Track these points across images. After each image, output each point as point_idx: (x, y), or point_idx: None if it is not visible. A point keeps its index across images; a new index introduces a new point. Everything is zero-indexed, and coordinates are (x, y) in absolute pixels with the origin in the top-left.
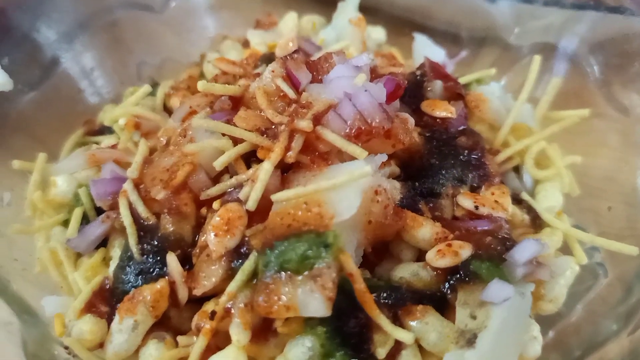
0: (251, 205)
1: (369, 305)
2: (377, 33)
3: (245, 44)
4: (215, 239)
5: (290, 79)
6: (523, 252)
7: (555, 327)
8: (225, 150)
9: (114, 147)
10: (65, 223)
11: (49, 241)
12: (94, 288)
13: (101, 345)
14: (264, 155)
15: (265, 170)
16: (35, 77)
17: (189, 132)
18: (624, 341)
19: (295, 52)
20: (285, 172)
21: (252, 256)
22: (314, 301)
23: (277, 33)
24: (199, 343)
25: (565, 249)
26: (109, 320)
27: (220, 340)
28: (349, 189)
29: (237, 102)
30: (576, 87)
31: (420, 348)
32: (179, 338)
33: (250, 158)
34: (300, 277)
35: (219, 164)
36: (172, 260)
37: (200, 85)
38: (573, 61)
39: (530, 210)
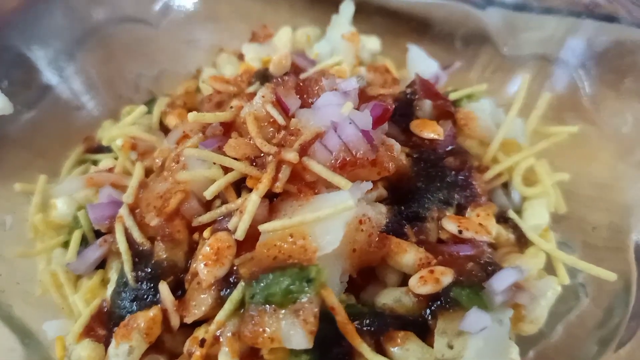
0: (239, 235)
1: (350, 335)
2: (372, 43)
3: (241, 56)
4: (205, 269)
5: (280, 104)
6: (502, 281)
7: (535, 347)
8: (215, 179)
9: (110, 170)
10: (66, 244)
11: (50, 263)
12: (93, 312)
13: None
14: (253, 184)
15: (252, 202)
16: (33, 96)
17: (182, 158)
18: None
19: (286, 74)
20: (274, 198)
21: (240, 286)
22: (297, 335)
23: (272, 47)
24: None
25: (550, 267)
26: (107, 344)
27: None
28: (333, 222)
29: (229, 127)
30: (570, 99)
31: None
32: None
33: (241, 184)
34: (283, 311)
35: (209, 193)
36: (164, 289)
37: (192, 116)
38: (567, 73)
39: (516, 228)
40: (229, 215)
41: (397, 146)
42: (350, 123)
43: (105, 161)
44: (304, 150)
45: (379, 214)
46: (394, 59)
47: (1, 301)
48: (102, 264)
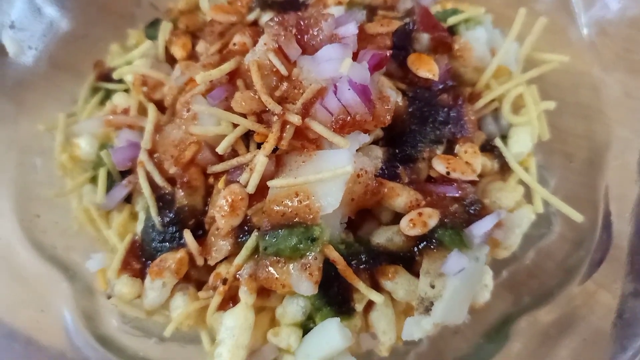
0: (251, 189)
1: (348, 276)
2: None
3: None
4: (222, 219)
5: (282, 53)
6: (481, 228)
7: (508, 267)
8: (225, 134)
9: (126, 111)
10: (93, 179)
11: (82, 200)
12: (126, 247)
13: (138, 295)
14: (260, 138)
15: (261, 162)
16: (38, 33)
17: (192, 106)
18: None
19: (285, 11)
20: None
21: (254, 235)
22: (304, 283)
23: None
24: (215, 299)
25: (527, 193)
26: (142, 276)
27: (233, 292)
28: (333, 183)
29: (233, 74)
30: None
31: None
32: (200, 293)
33: (249, 133)
34: (292, 264)
35: (221, 149)
36: (188, 237)
37: (199, 78)
38: None
39: (500, 157)
40: (240, 166)
41: (392, 97)
42: (349, 89)
43: (118, 96)
44: (306, 110)
45: (375, 159)
46: None
47: (45, 242)
48: (128, 198)
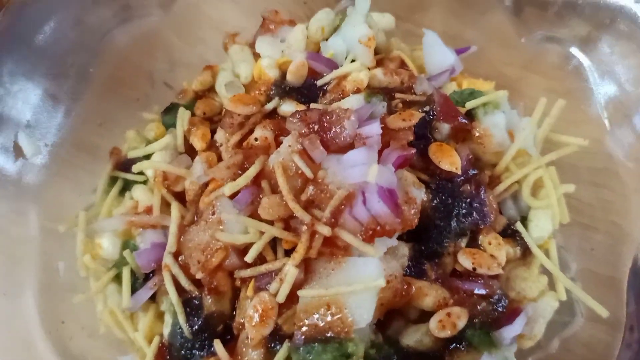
0: (281, 299)
1: None
2: (385, 21)
3: (253, 45)
4: (252, 329)
5: (307, 154)
6: (512, 331)
7: (533, 355)
8: (253, 241)
9: (148, 210)
10: (117, 277)
11: (106, 301)
12: (154, 352)
13: None
14: (288, 245)
15: (291, 274)
16: (54, 126)
17: (217, 210)
18: None
19: (308, 110)
20: None
21: (285, 345)
22: None
23: (285, 37)
24: None
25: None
26: None
27: None
28: (365, 295)
29: (258, 176)
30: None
31: None
32: None
33: (277, 238)
34: None
35: (249, 258)
36: (219, 348)
37: (227, 190)
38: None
39: (521, 240)
40: (268, 274)
41: (418, 197)
42: (378, 201)
43: (138, 190)
44: (335, 219)
45: (402, 257)
46: (406, 34)
47: (73, 351)
48: (152, 295)
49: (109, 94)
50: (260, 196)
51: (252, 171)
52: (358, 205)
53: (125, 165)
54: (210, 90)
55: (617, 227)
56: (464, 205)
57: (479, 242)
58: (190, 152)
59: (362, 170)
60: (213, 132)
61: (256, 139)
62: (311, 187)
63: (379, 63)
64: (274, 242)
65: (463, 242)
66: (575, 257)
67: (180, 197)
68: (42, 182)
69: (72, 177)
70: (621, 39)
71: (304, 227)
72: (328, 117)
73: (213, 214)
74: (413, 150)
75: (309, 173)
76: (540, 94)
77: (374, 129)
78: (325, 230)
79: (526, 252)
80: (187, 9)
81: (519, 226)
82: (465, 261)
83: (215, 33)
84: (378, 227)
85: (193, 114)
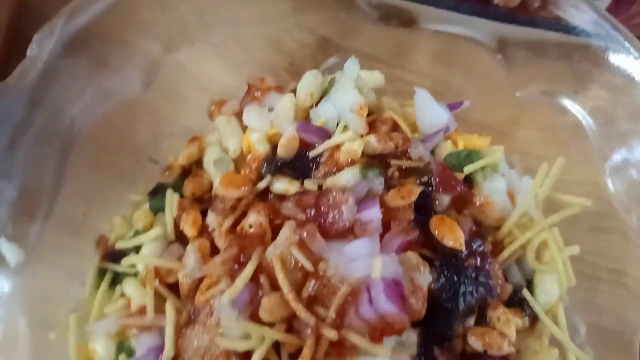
0: None
1: None
2: (375, 79)
3: (241, 114)
4: None
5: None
6: None
7: None
8: (255, 348)
9: (142, 311)
10: None
11: None
12: None
13: None
14: (292, 348)
15: None
16: (38, 221)
17: (214, 309)
18: None
19: (304, 193)
20: None
21: None
22: None
23: (275, 114)
24: None
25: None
26: None
27: None
28: None
29: (256, 271)
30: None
31: None
32: None
33: None
34: None
35: None
36: None
37: (225, 297)
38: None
39: (529, 307)
40: None
41: (424, 283)
42: (386, 301)
43: (129, 285)
44: (340, 318)
45: (411, 347)
46: (397, 93)
47: None
48: None
49: (91, 178)
50: (260, 293)
51: (249, 270)
52: (364, 304)
53: (113, 255)
54: (198, 164)
55: (621, 275)
56: (470, 281)
57: (488, 319)
58: (182, 235)
59: (365, 264)
60: (203, 213)
61: (250, 226)
62: (313, 282)
63: (371, 126)
64: (277, 343)
65: (471, 320)
66: (582, 315)
67: (175, 287)
68: (30, 288)
69: (60, 276)
70: (615, 92)
71: (309, 330)
72: (325, 200)
73: (211, 314)
74: (415, 233)
75: (309, 266)
76: (535, 146)
77: (374, 214)
78: (331, 335)
79: (535, 320)
80: (170, 71)
81: (526, 294)
82: (475, 343)
83: (200, 94)
84: (385, 327)
85: (181, 195)
